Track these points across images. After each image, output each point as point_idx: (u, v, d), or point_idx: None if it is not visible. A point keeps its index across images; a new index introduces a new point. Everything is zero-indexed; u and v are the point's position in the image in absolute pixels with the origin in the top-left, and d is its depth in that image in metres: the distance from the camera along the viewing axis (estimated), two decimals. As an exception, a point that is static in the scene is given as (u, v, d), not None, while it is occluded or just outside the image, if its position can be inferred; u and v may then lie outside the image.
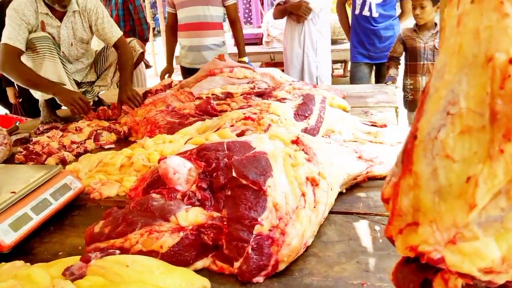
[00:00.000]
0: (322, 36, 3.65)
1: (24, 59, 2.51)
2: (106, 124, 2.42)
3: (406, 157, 0.59)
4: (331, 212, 1.32)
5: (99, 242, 1.19)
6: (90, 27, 2.72)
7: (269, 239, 1.10)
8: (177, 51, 3.72)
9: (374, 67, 3.80)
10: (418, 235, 0.56)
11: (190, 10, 3.27)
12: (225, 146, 1.36)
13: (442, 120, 0.54)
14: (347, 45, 4.87)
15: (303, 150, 1.32)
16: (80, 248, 1.31)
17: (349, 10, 3.94)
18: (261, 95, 2.38)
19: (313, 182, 1.23)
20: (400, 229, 0.59)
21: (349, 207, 1.38)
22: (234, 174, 1.23)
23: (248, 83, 2.47)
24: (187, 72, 3.44)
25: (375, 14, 3.51)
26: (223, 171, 1.27)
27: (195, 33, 3.33)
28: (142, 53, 2.95)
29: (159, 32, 12.21)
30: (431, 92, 0.58)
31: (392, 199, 0.61)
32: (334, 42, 5.06)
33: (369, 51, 3.65)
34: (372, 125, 1.90)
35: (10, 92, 3.64)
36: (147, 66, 4.53)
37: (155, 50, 9.17)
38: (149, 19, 6.15)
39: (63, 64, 2.58)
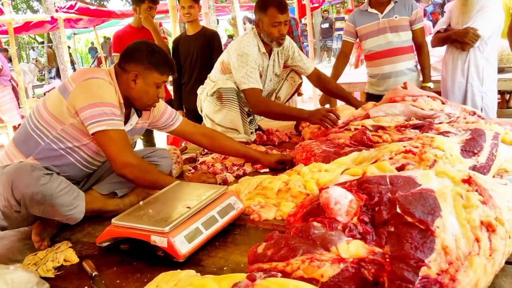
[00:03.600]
0: (490, 64, 3.33)
1: (207, 101, 2.73)
2: (263, 149, 2.57)
3: None
4: (507, 263, 1.19)
5: (262, 263, 1.25)
6: (286, 61, 2.93)
7: (437, 283, 1.03)
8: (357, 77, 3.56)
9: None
10: None
11: (380, 38, 3.27)
12: (388, 180, 1.32)
13: None
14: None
15: (476, 190, 1.22)
16: (242, 265, 1.40)
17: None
18: (418, 127, 2.26)
19: (489, 228, 1.13)
20: None
21: (530, 259, 1.22)
22: (398, 210, 1.19)
23: (433, 115, 2.33)
24: (375, 98, 3.27)
25: (559, 38, 3.10)
26: (386, 206, 1.24)
27: (387, 60, 3.30)
28: (300, 83, 3.07)
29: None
30: None
31: None
32: (500, 70, 4.59)
33: (550, 81, 3.23)
34: (558, 167, 1.66)
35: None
36: (299, 94, 4.68)
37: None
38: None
39: (241, 110, 2.74)
